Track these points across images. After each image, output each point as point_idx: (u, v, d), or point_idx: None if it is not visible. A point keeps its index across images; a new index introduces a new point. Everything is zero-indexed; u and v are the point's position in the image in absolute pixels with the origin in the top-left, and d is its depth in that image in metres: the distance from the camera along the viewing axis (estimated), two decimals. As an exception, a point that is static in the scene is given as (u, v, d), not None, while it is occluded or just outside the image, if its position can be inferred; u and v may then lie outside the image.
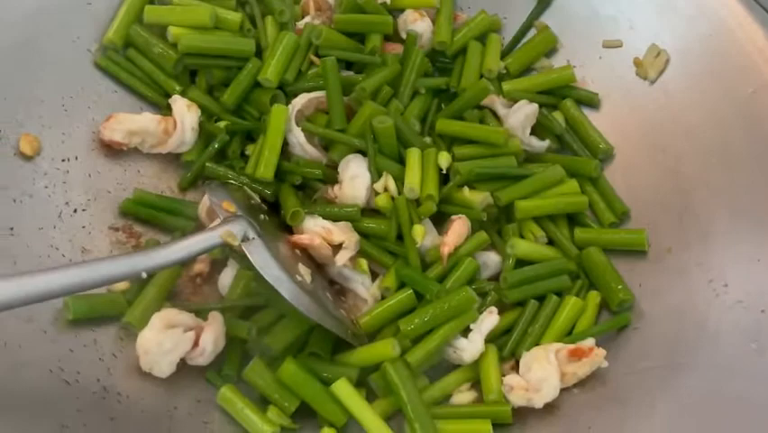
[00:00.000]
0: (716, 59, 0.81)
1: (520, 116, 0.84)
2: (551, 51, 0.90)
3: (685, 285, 0.74)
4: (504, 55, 0.90)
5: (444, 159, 0.79)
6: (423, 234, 0.75)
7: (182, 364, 0.70)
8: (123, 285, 0.73)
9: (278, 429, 0.69)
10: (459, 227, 0.77)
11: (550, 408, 0.70)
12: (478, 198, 0.79)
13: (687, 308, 0.73)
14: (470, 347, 0.73)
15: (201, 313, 0.73)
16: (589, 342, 0.73)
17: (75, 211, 0.76)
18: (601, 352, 0.72)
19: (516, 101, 0.86)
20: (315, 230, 0.76)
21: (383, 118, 0.79)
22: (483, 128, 0.83)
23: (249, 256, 0.69)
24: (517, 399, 0.70)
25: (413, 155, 0.79)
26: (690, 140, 0.80)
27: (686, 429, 0.66)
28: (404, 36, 0.87)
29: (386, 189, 0.78)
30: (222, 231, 0.69)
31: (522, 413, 0.71)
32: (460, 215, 0.78)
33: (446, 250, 0.76)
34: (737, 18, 0.80)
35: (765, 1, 0.81)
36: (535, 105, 0.85)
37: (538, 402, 0.70)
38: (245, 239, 0.70)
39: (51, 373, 0.65)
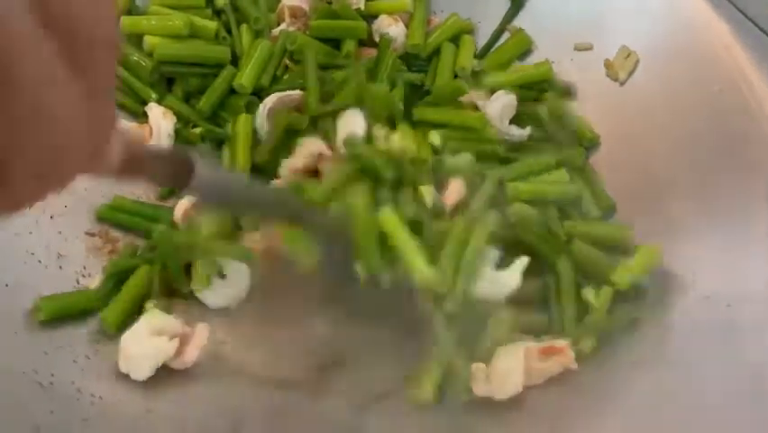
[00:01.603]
0: (684, 58, 0.81)
1: (497, 106, 0.84)
2: (523, 55, 0.91)
3: (652, 280, 0.74)
4: (479, 58, 0.91)
5: (437, 135, 0.82)
6: (430, 193, 0.76)
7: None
8: (95, 282, 0.75)
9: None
10: (457, 186, 0.78)
11: (515, 402, 0.71)
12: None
13: (654, 302, 0.73)
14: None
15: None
16: (562, 342, 0.73)
17: (51, 217, 0.77)
18: (571, 353, 0.72)
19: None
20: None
21: (378, 85, 0.82)
22: (461, 113, 0.84)
23: None
24: (479, 389, 0.71)
25: (404, 129, 0.81)
26: (660, 138, 0.81)
27: (650, 425, 0.66)
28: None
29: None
30: None
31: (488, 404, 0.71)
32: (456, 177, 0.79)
33: (450, 201, 0.76)
34: (704, 16, 0.81)
35: (732, -2, 0.82)
36: (513, 96, 0.85)
37: (499, 395, 0.70)
38: None
39: (24, 375, 0.66)
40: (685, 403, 0.66)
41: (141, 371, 0.70)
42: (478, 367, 0.71)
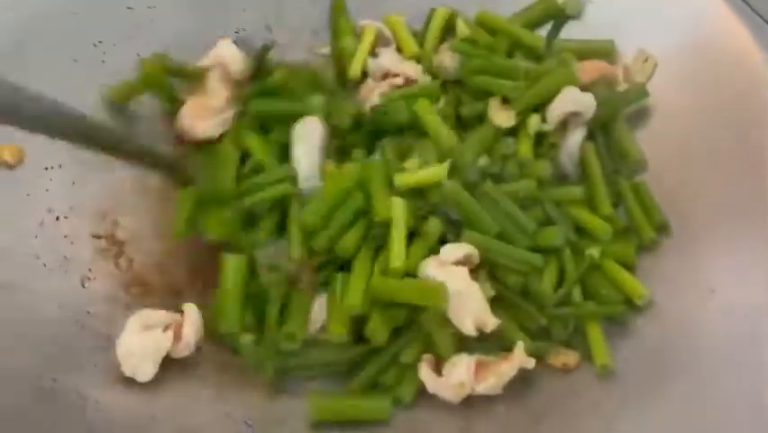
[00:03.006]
0: (703, 63, 0.80)
1: (578, 138, 0.80)
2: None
3: (671, 291, 0.73)
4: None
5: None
6: None
7: (162, 366, 0.70)
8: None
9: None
10: None
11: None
12: None
13: (672, 314, 0.72)
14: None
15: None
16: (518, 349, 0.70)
17: (57, 219, 0.76)
18: (525, 358, 0.69)
19: None
20: None
21: None
22: None
23: None
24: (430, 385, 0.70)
25: None
26: (679, 145, 0.79)
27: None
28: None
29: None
30: None
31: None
32: None
33: None
34: (725, 21, 0.79)
35: (754, 2, 0.80)
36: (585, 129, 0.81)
37: (446, 396, 0.69)
38: None
39: (27, 380, 0.65)
40: (705, 416, 0.65)
41: (146, 370, 0.69)
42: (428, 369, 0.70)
